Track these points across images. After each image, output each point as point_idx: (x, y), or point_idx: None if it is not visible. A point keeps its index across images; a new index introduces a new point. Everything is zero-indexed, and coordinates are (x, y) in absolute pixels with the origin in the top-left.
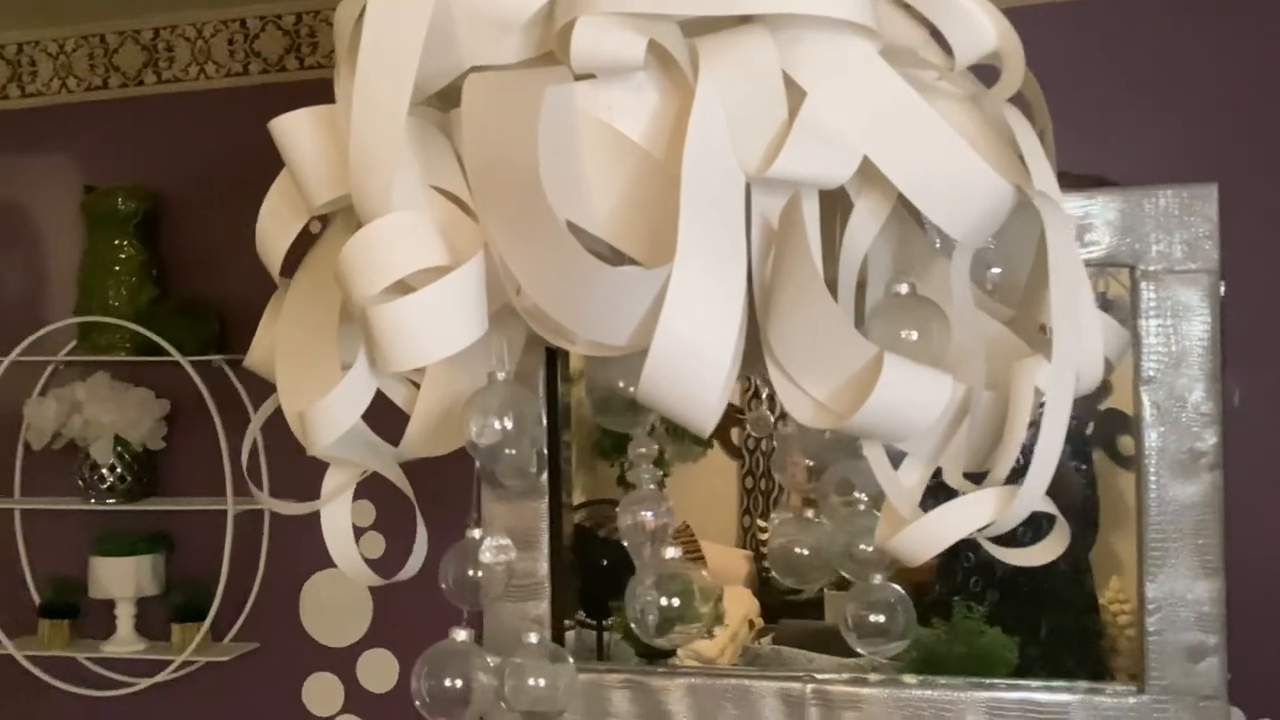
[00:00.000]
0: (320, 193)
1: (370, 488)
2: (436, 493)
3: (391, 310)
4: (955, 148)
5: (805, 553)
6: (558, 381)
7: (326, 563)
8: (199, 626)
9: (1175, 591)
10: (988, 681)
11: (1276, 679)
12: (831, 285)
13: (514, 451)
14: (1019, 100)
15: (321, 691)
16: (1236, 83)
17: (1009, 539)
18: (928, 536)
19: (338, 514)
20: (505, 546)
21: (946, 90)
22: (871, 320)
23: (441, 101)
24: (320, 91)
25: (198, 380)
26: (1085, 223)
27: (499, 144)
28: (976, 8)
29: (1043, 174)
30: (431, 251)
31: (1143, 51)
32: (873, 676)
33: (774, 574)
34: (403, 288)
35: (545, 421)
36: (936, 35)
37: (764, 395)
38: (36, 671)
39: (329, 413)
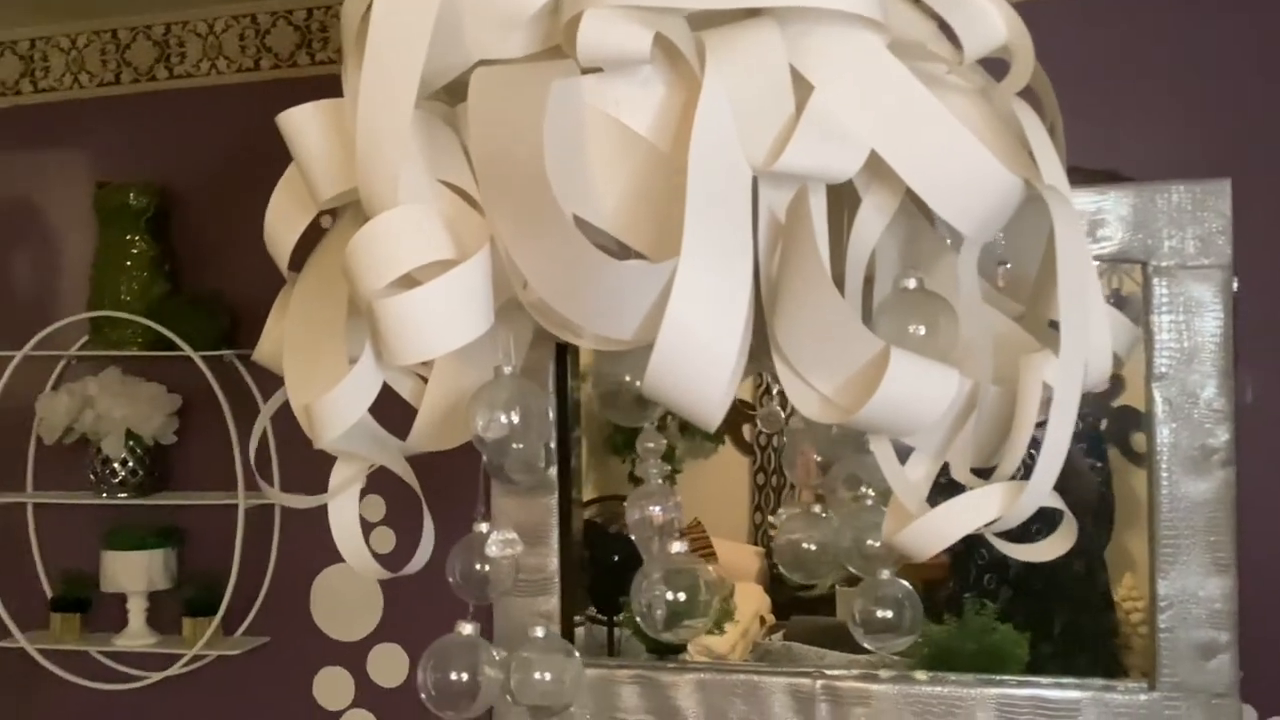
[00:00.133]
0: (327, 187)
1: (381, 482)
2: (445, 487)
3: (397, 304)
4: (963, 141)
5: (812, 548)
6: (567, 377)
7: (337, 557)
8: (210, 620)
9: (1187, 588)
10: (998, 678)
11: None
12: (839, 280)
13: (521, 446)
14: (1029, 94)
15: (332, 685)
16: (1250, 77)
17: (1022, 535)
18: (934, 532)
19: (345, 507)
20: (512, 540)
21: (955, 84)
22: (879, 315)
23: (449, 95)
24: (332, 87)
25: (209, 375)
26: (1098, 218)
27: (505, 138)
28: (986, 1)
29: (1052, 168)
30: (438, 245)
31: (1156, 46)
32: (883, 673)
33: (781, 569)
34: (409, 281)
35: (554, 416)
36: (945, 28)
37: (775, 391)
38: (48, 665)
39: (335, 406)
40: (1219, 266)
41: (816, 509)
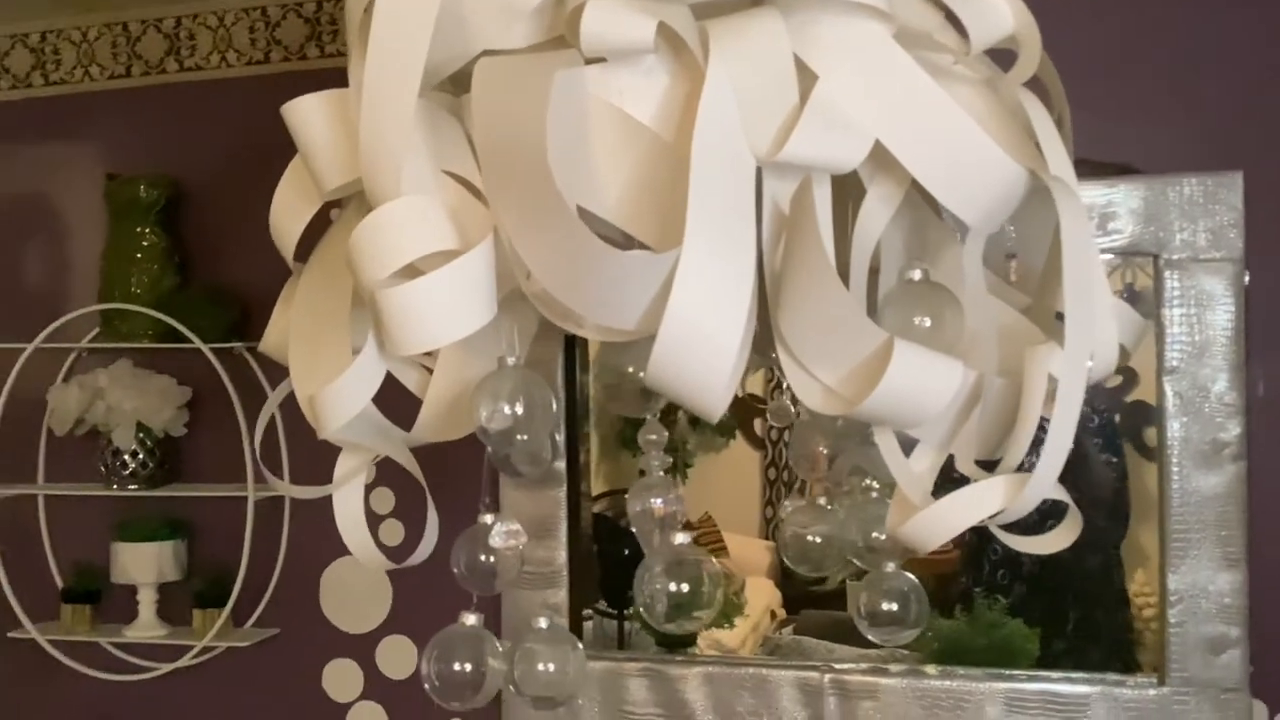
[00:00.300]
0: (332, 177)
1: (390, 475)
2: (452, 479)
3: (400, 294)
4: (968, 132)
5: (818, 540)
6: (576, 370)
7: (346, 549)
8: (220, 612)
9: (1197, 583)
10: (1007, 673)
11: None
12: (844, 272)
13: (526, 437)
14: (1036, 86)
15: (341, 677)
16: (1261, 69)
17: (1036, 530)
18: (938, 524)
19: (350, 498)
20: (516, 531)
21: (961, 74)
22: (884, 307)
23: (454, 86)
24: (341, 80)
25: (219, 367)
26: (1108, 211)
27: (508, 128)
28: None
29: (1058, 159)
30: (441, 235)
31: (1166, 37)
32: (893, 667)
33: (787, 561)
34: (413, 272)
35: (559, 409)
36: (953, 19)
37: (785, 386)
38: (58, 655)
39: (339, 396)
40: (1230, 260)
41: (822, 501)
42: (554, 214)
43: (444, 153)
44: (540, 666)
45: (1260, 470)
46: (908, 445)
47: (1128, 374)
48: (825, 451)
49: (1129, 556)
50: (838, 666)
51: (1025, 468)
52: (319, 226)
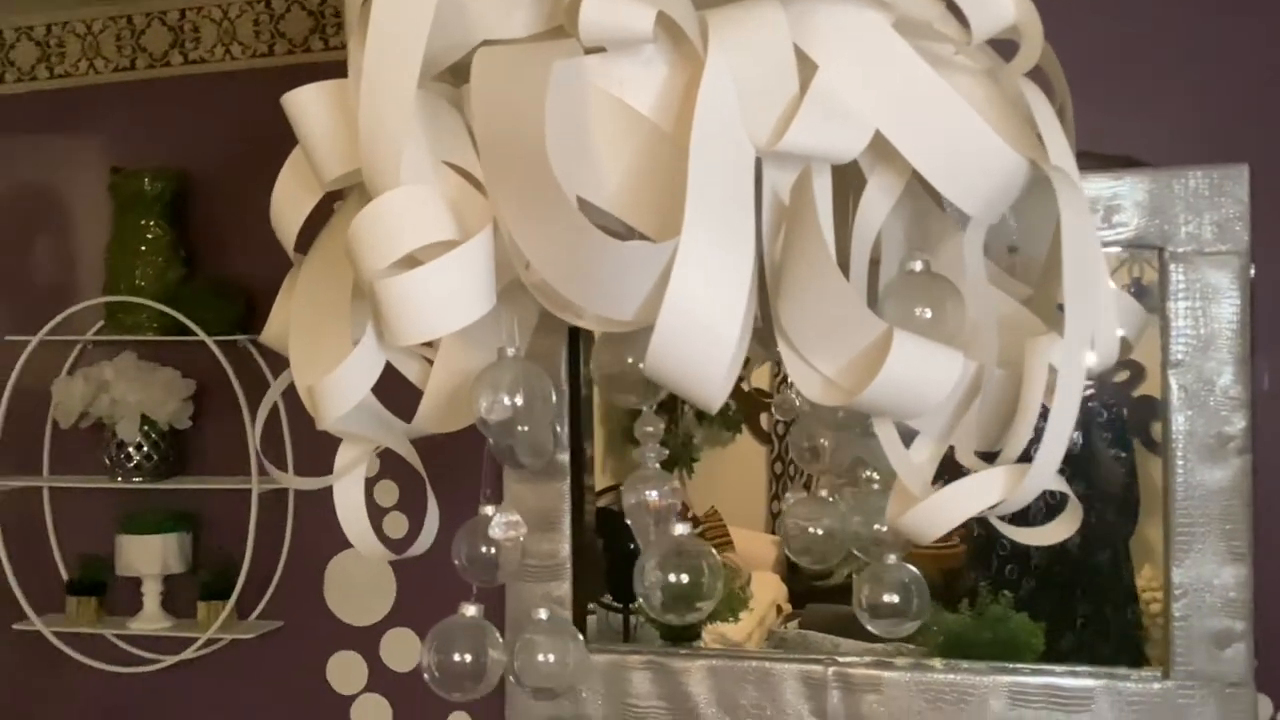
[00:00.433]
0: (332, 167)
1: (395, 468)
2: (455, 472)
3: (399, 284)
4: (968, 121)
5: (819, 532)
6: (580, 364)
7: (351, 542)
8: (224, 604)
9: (1202, 577)
10: (1010, 666)
11: None
12: (845, 262)
13: (526, 428)
14: (1039, 76)
15: (345, 670)
16: (1268, 62)
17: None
18: (938, 514)
19: (350, 489)
20: (515, 522)
21: (962, 64)
22: (885, 298)
23: (454, 76)
24: (345, 72)
25: (223, 360)
26: (1114, 204)
27: (507, 118)
28: None
29: (1059, 149)
30: (441, 226)
31: (1173, 30)
32: (897, 661)
33: (789, 553)
34: (412, 262)
35: (559, 400)
36: (953, 9)
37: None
38: (64, 648)
39: (338, 386)
40: (1236, 253)
41: (824, 494)
42: (552, 204)
43: (444, 143)
44: (540, 657)
45: (1265, 464)
46: (908, 437)
47: (1134, 368)
48: (827, 443)
49: (1137, 552)
50: (841, 660)
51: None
52: (320, 218)
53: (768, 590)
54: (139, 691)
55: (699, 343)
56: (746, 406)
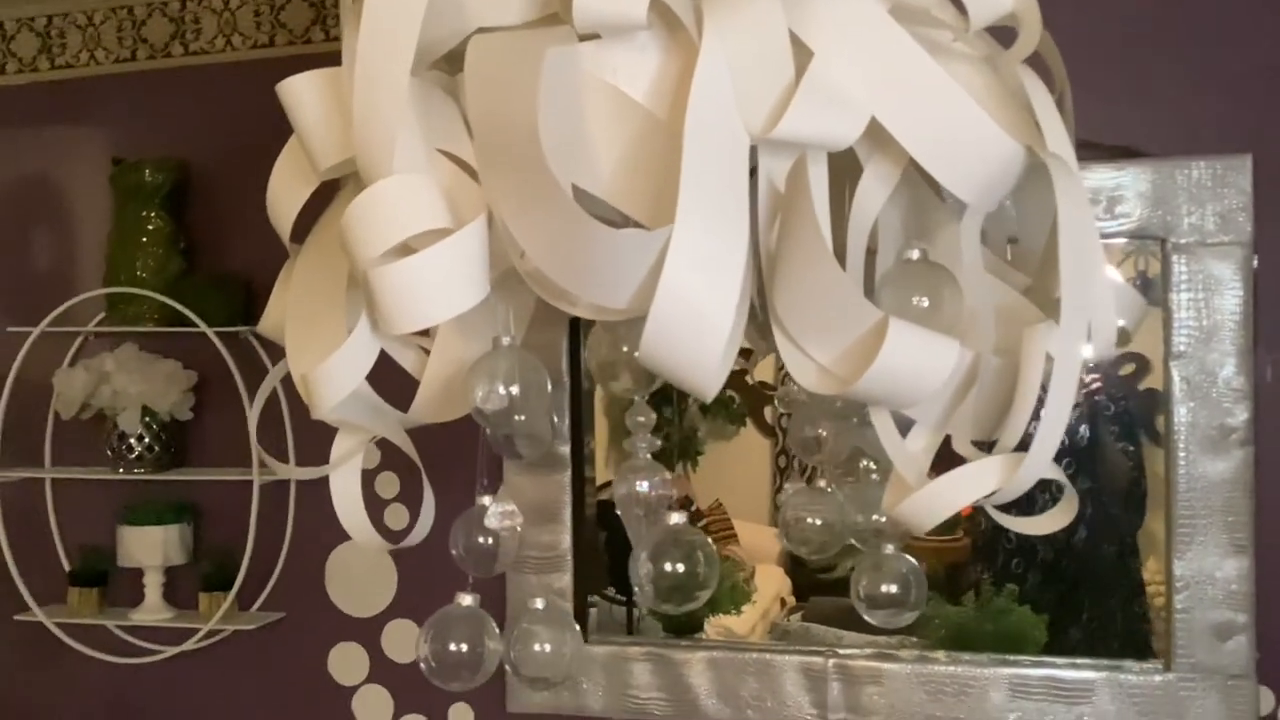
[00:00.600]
0: (327, 155)
1: (396, 460)
2: (456, 463)
3: (392, 272)
4: (965, 108)
5: (818, 523)
6: (580, 356)
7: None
8: (225, 596)
9: (1204, 569)
10: (1011, 658)
11: None
12: (841, 251)
13: (523, 418)
14: (1038, 64)
15: (346, 661)
16: (1271, 51)
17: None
18: (933, 503)
19: (347, 479)
20: (511, 512)
21: (960, 51)
22: (882, 287)
23: (449, 65)
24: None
25: (224, 351)
26: (1116, 194)
27: (500, 105)
28: None
29: (1056, 136)
30: (434, 214)
31: (1175, 19)
32: (898, 652)
33: (788, 544)
34: (406, 250)
35: (559, 392)
36: None
37: None
38: (66, 638)
39: (331, 375)
40: (1239, 244)
41: (822, 484)
42: (546, 192)
43: (438, 131)
44: (537, 647)
45: (1267, 456)
46: (906, 427)
47: (1140, 361)
48: (825, 434)
49: (1143, 545)
50: (841, 652)
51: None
52: (317, 207)
53: (771, 583)
54: (141, 682)
55: (693, 330)
56: (751, 400)
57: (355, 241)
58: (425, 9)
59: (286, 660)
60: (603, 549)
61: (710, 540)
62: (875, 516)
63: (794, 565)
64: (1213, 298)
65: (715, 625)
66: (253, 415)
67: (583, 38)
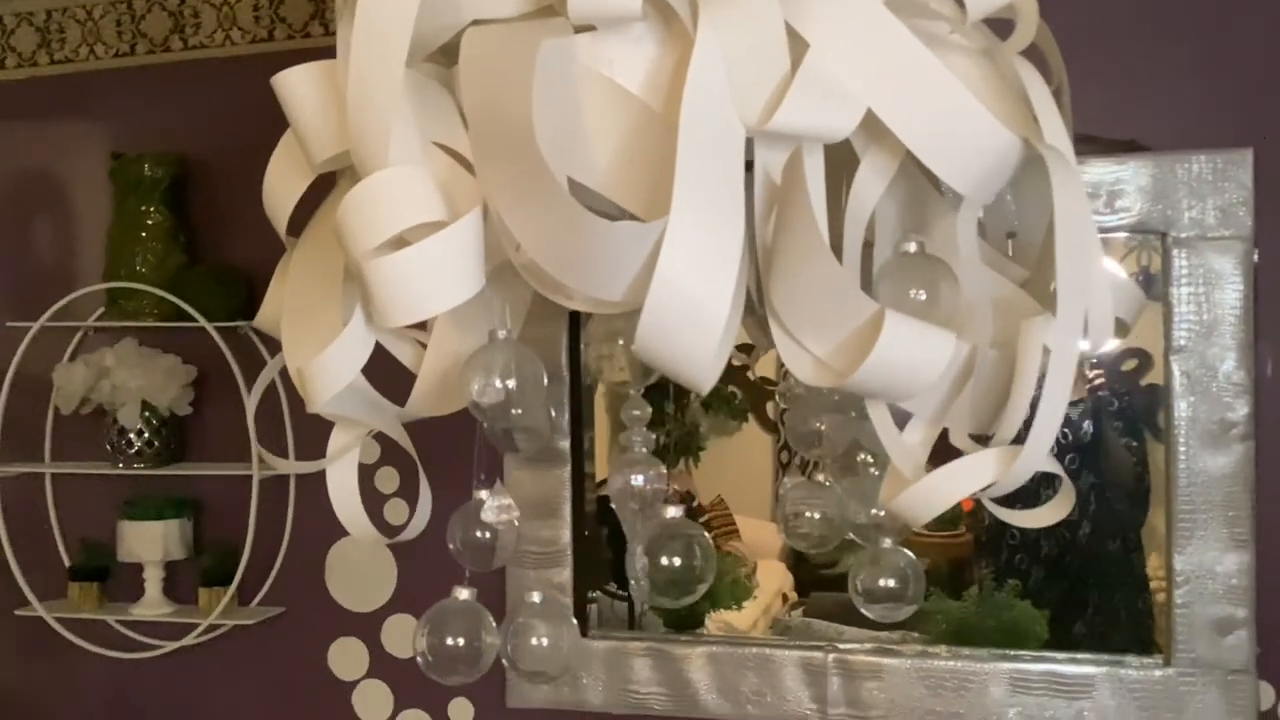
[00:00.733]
0: (323, 148)
1: (396, 455)
2: (456, 456)
3: (387, 264)
4: (960, 100)
5: (816, 517)
6: (580, 351)
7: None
8: (225, 590)
9: (1204, 564)
10: (1011, 653)
11: None
12: (837, 244)
13: (520, 411)
14: (1036, 57)
15: (346, 655)
16: (1272, 46)
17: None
18: (930, 496)
19: (344, 473)
20: (508, 506)
21: (957, 43)
22: (879, 279)
23: (445, 57)
24: None
25: (224, 346)
26: (1116, 189)
27: (495, 98)
28: None
29: (1054, 129)
30: (430, 206)
31: (1176, 13)
32: (898, 647)
33: (787, 538)
34: (401, 243)
35: (559, 387)
36: None
37: None
38: (66, 633)
39: (327, 368)
40: (1239, 238)
41: (821, 478)
42: (541, 185)
43: (434, 124)
44: (534, 641)
45: (1268, 450)
46: (903, 420)
47: (1142, 357)
48: (824, 428)
49: (1146, 540)
50: (841, 646)
51: None
52: (314, 200)
53: (773, 579)
54: (141, 677)
55: (688, 323)
56: (752, 395)
57: (350, 234)
58: (420, 2)
59: (286, 655)
60: (604, 544)
61: (706, 533)
62: (874, 510)
63: (796, 561)
64: (1213, 292)
65: (717, 620)
66: (250, 406)
67: (578, 30)
